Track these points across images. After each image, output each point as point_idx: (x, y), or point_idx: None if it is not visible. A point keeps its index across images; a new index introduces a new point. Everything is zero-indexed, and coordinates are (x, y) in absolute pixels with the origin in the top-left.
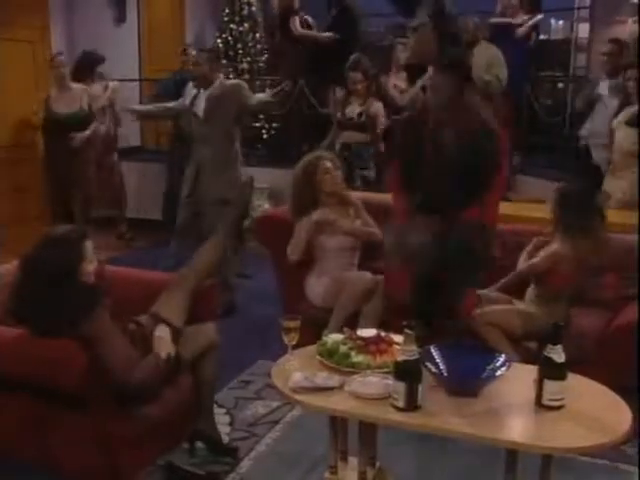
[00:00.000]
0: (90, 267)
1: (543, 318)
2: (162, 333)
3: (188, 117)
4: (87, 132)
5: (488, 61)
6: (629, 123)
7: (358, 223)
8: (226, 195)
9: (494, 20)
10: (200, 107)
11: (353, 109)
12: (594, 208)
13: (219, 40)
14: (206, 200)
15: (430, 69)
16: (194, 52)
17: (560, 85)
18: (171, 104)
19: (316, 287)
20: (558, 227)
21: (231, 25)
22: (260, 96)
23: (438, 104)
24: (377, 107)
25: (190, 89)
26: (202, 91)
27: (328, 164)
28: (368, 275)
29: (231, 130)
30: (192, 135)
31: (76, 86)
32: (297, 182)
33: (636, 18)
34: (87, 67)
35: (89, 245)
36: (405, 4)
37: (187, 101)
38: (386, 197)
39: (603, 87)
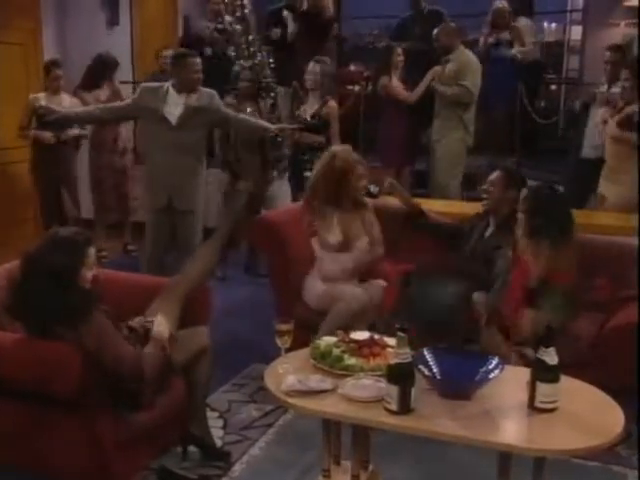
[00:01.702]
0: (89, 274)
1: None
2: (161, 327)
3: (152, 119)
4: (76, 131)
5: (460, 67)
6: (620, 125)
7: (365, 242)
8: (196, 205)
9: (491, 41)
10: (172, 112)
11: (306, 109)
12: (560, 211)
13: None
14: (179, 210)
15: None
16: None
17: (553, 87)
18: (116, 105)
19: (313, 289)
20: (524, 227)
21: None
22: (257, 122)
23: None
24: (331, 107)
25: (158, 88)
26: (174, 94)
27: (362, 170)
28: (361, 294)
29: (203, 139)
30: (157, 140)
31: (64, 96)
32: (328, 176)
33: (629, 21)
34: (100, 72)
35: (92, 252)
36: None
37: (152, 101)
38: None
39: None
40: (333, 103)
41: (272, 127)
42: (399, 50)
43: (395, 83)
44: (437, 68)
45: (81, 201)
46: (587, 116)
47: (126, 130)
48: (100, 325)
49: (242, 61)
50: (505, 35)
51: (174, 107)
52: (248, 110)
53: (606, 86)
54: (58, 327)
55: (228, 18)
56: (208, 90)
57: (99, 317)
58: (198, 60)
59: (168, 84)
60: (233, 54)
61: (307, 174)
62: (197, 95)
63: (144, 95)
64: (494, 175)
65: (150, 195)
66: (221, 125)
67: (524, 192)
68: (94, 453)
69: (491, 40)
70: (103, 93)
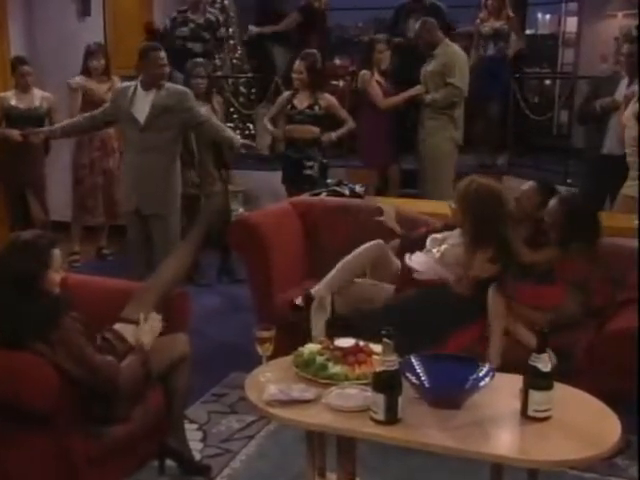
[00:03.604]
0: (57, 277)
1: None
2: (148, 326)
3: (124, 120)
4: (45, 129)
5: (447, 62)
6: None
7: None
8: (168, 209)
9: (486, 30)
10: (141, 111)
11: (301, 101)
12: (596, 220)
13: None
14: (149, 214)
15: None
16: None
17: (547, 82)
18: (96, 112)
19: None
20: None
21: None
22: (226, 131)
23: None
24: (327, 98)
25: (127, 88)
26: (141, 92)
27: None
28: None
29: (175, 140)
30: (128, 141)
31: (36, 92)
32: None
33: (627, 12)
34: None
35: (57, 253)
36: None
37: (123, 102)
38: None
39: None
40: (328, 95)
41: (239, 143)
42: (381, 46)
43: (377, 79)
44: (419, 87)
45: (59, 202)
46: (608, 117)
47: (114, 130)
48: (70, 333)
49: (221, 55)
50: (502, 25)
51: (142, 106)
52: (203, 110)
53: (627, 77)
54: (25, 336)
55: (212, 10)
56: (180, 88)
57: (69, 324)
58: (162, 54)
59: (136, 82)
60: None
61: (307, 172)
62: (166, 93)
63: (116, 96)
64: (528, 186)
65: (122, 197)
66: (193, 127)
67: (552, 202)
68: (64, 470)
69: (486, 30)
70: (83, 80)
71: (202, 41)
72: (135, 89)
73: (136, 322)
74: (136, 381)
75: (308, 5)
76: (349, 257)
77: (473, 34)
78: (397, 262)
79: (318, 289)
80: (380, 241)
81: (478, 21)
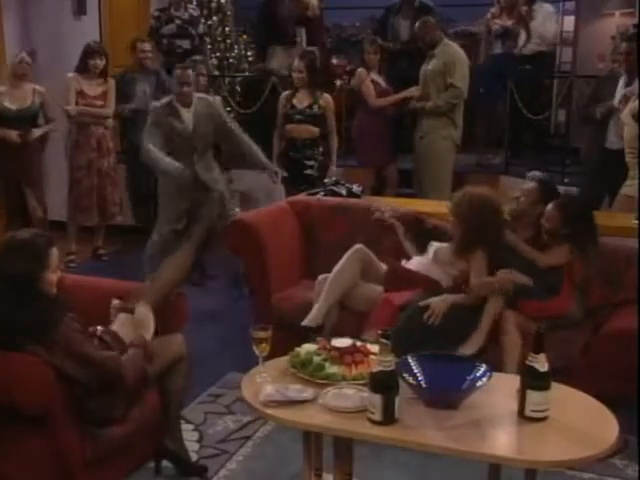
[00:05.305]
0: (54, 277)
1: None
2: (143, 315)
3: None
4: (39, 131)
5: (446, 61)
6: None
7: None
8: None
9: (496, 28)
10: (182, 121)
11: (301, 101)
12: (587, 220)
13: None
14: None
15: None
16: (149, 47)
17: (545, 81)
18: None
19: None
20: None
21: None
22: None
23: None
24: (327, 99)
25: (164, 107)
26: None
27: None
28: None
29: (211, 143)
30: (177, 154)
31: (28, 85)
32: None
33: (624, 11)
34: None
35: (55, 253)
36: None
37: (166, 120)
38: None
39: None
40: (328, 96)
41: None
42: (372, 48)
43: (373, 78)
44: (413, 89)
45: (55, 201)
46: (609, 117)
47: (110, 131)
48: (70, 333)
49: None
50: (513, 24)
51: (187, 118)
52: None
53: (625, 76)
54: (23, 338)
55: (192, 6)
56: (206, 96)
57: (68, 324)
58: (186, 72)
59: (169, 98)
60: (209, 47)
61: (307, 172)
62: (199, 102)
63: (156, 119)
64: (529, 185)
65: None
66: (222, 134)
67: (549, 208)
68: (60, 471)
69: (496, 27)
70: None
71: (189, 38)
72: (173, 104)
73: (131, 311)
74: (140, 372)
75: (301, 17)
76: (332, 275)
77: (478, 32)
78: (381, 264)
79: (312, 318)
80: (359, 245)
81: (489, 16)
